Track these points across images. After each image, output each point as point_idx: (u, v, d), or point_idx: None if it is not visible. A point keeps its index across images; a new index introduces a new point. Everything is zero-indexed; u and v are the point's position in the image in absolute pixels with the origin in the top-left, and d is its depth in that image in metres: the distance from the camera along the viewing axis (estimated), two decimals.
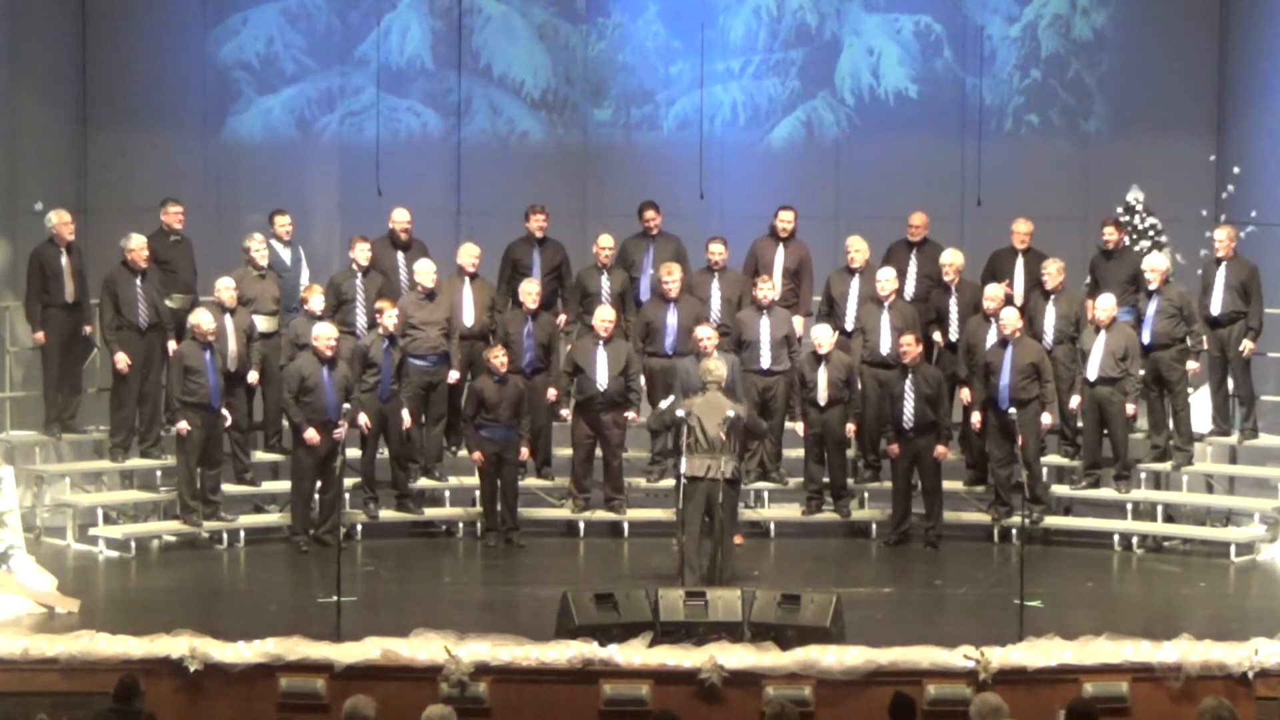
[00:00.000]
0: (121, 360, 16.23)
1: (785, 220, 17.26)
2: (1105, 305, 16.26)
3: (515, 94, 19.35)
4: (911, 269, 17.15)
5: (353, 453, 16.39)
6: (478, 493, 16.39)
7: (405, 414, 16.32)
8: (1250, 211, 17.99)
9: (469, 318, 16.88)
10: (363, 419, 16.06)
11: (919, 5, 19.34)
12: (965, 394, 16.53)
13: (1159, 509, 16.58)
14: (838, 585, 14.11)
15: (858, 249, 17.06)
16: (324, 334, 15.92)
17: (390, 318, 16.11)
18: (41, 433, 16.69)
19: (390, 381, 16.18)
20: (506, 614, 13.74)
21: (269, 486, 16.81)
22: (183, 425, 15.73)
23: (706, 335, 15.93)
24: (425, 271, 16.66)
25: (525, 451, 16.38)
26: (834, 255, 17.52)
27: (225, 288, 16.26)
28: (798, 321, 17.11)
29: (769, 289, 16.71)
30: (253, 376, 16.43)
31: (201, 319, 15.88)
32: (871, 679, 12.01)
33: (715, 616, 12.83)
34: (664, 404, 15.14)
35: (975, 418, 16.40)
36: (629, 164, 19.21)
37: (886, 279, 16.70)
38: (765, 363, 16.56)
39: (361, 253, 16.83)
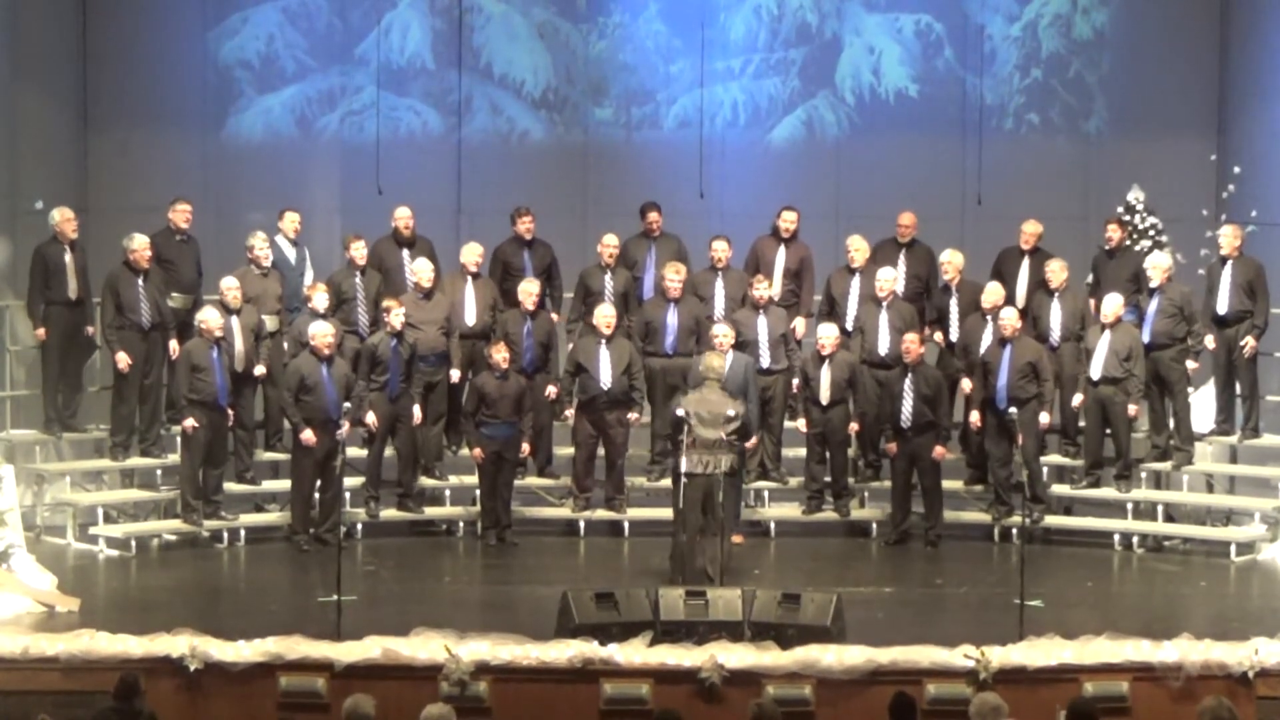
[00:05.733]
0: (123, 359, 16.22)
1: (789, 220, 17.26)
2: (1112, 305, 16.26)
3: (516, 93, 19.37)
4: (900, 269, 17.14)
5: (355, 452, 16.41)
6: (478, 491, 16.40)
7: (416, 410, 16.32)
8: (1250, 211, 17.99)
9: (471, 317, 16.88)
10: (371, 418, 16.07)
11: (919, 4, 19.36)
12: (966, 384, 16.49)
13: (1159, 508, 16.58)
14: (838, 585, 14.11)
15: (857, 248, 17.06)
16: (321, 332, 15.90)
17: (397, 316, 16.10)
18: (42, 431, 16.70)
19: (399, 380, 16.17)
20: (507, 613, 13.73)
21: (269, 485, 16.81)
22: (189, 422, 15.71)
23: (724, 333, 15.90)
24: (423, 271, 16.66)
25: (526, 448, 16.39)
26: (834, 254, 17.52)
27: (229, 288, 16.24)
28: (799, 322, 17.12)
29: (766, 288, 16.72)
30: (259, 370, 16.42)
31: (209, 317, 15.88)
32: (872, 678, 12.00)
33: (715, 616, 12.82)
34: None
35: (974, 417, 16.40)
36: (629, 163, 19.23)
37: (886, 279, 16.70)
38: (764, 362, 16.55)
39: (358, 251, 16.83)
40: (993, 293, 16.51)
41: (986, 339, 16.36)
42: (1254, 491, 16.68)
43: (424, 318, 16.52)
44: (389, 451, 16.48)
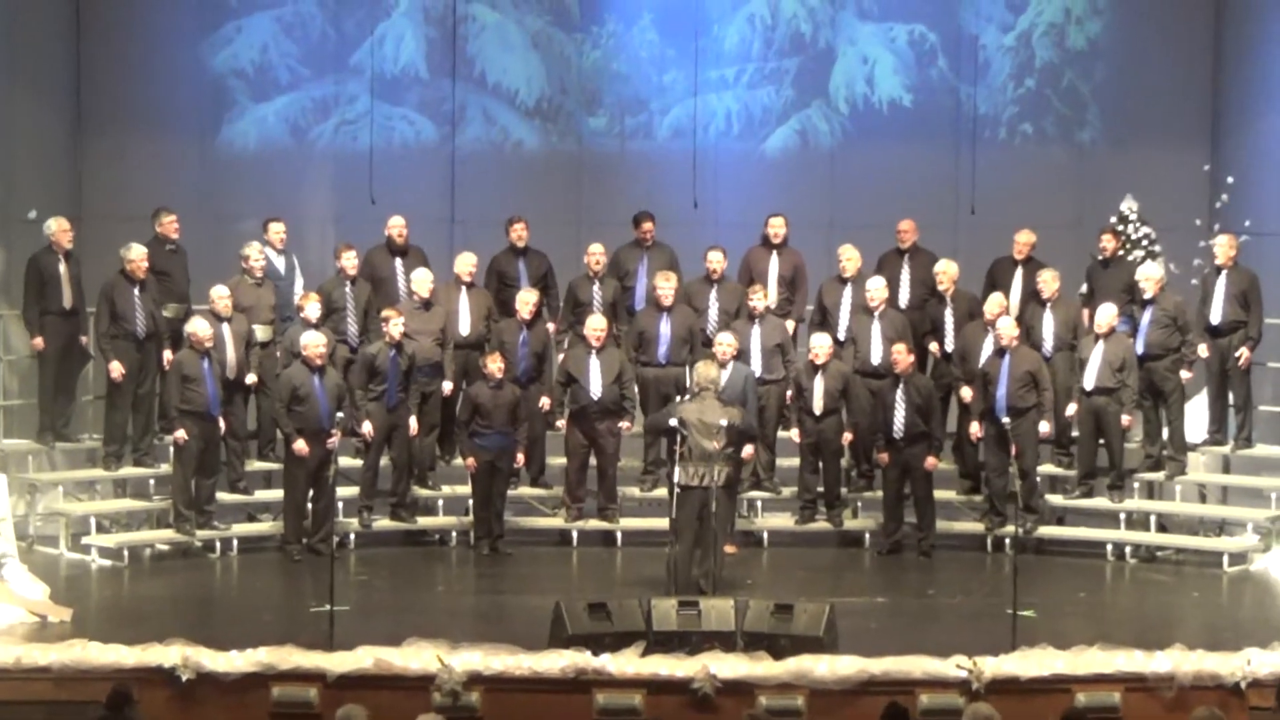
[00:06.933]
0: (116, 369, 16.21)
1: (776, 227, 17.26)
2: (1105, 315, 16.27)
3: (509, 102, 19.38)
4: (904, 277, 17.15)
5: (348, 461, 16.39)
6: (471, 501, 16.39)
7: (413, 420, 16.31)
8: (1244, 221, 17.99)
9: (465, 327, 16.87)
10: (367, 427, 16.07)
11: (913, 14, 19.37)
12: (966, 392, 16.45)
13: (1152, 519, 16.58)
14: (831, 595, 14.08)
15: (849, 258, 17.06)
16: (313, 342, 15.89)
17: (396, 326, 16.09)
18: (35, 441, 16.68)
19: (397, 390, 16.16)
20: (499, 623, 13.74)
21: (262, 495, 16.79)
22: (180, 434, 15.71)
23: (728, 342, 15.92)
24: (421, 281, 16.66)
25: (521, 458, 16.38)
26: (828, 264, 17.53)
27: (220, 296, 16.25)
28: (791, 327, 17.10)
29: (762, 298, 16.72)
30: (251, 379, 16.41)
31: (198, 327, 15.87)
32: (864, 689, 11.98)
33: (708, 626, 12.81)
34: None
35: (974, 428, 16.38)
36: (623, 173, 19.24)
37: (876, 288, 16.70)
38: (758, 372, 16.54)
39: (349, 260, 16.82)
40: (995, 303, 16.50)
41: (987, 349, 16.35)
42: (1247, 502, 16.69)
43: (420, 328, 16.51)
44: (384, 461, 16.47)
